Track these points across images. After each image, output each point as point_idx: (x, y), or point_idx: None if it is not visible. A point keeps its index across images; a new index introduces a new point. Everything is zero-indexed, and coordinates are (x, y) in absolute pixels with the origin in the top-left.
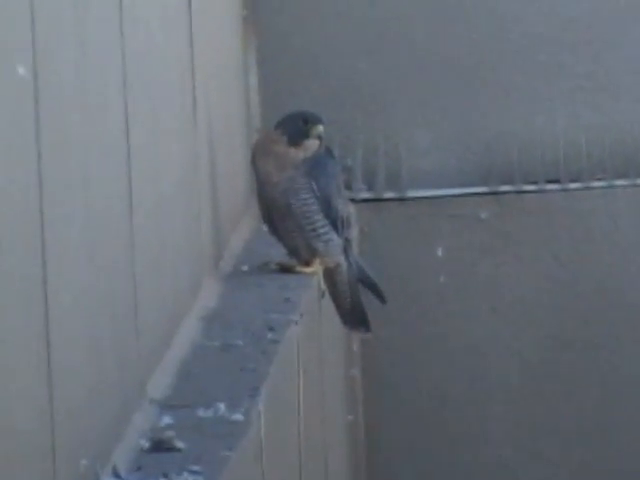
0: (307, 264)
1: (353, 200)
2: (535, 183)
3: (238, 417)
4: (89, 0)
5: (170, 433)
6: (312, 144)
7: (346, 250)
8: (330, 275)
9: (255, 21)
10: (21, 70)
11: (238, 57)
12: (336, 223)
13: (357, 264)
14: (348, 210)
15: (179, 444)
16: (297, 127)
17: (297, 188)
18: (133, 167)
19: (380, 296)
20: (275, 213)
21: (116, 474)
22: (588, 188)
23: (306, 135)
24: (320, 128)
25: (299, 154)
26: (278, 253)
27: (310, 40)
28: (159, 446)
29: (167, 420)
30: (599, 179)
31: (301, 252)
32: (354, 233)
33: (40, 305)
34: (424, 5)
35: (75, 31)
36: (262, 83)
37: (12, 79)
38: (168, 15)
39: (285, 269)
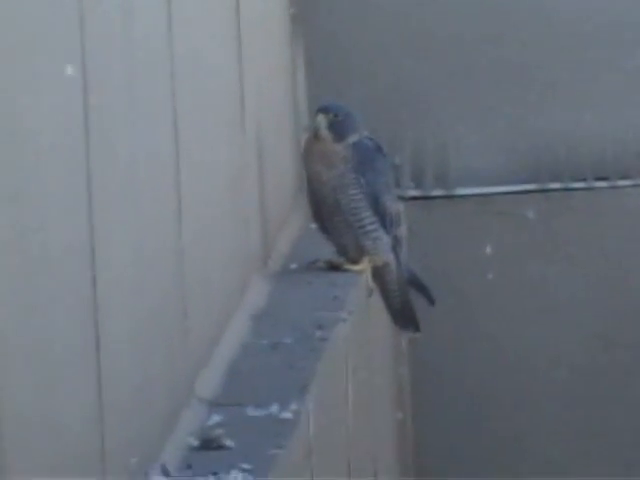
0: (356, 262)
1: (401, 198)
2: (583, 180)
3: (287, 415)
4: (136, 6)
5: (219, 431)
6: (320, 134)
7: (395, 248)
8: (379, 274)
9: (303, 20)
10: (70, 70)
11: (286, 56)
12: (385, 220)
13: (406, 264)
14: (397, 208)
15: (228, 442)
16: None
17: (346, 184)
18: (182, 168)
19: (429, 297)
20: (324, 210)
21: (165, 472)
22: (637, 185)
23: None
24: (317, 117)
25: (341, 148)
26: (327, 251)
27: (357, 39)
28: (208, 444)
29: (216, 418)
30: None
31: (350, 250)
32: (403, 231)
33: (89, 306)
34: (471, 3)
35: (123, 35)
36: (310, 82)
37: (61, 78)
38: (216, 17)
39: (334, 267)
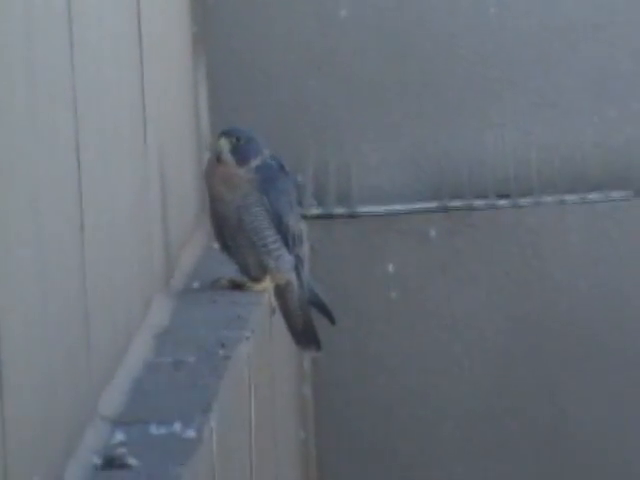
0: (258, 281)
1: (304, 217)
2: (485, 198)
3: (190, 433)
4: (38, 30)
5: (122, 450)
6: (223, 158)
7: (297, 267)
8: (281, 293)
9: (205, 38)
10: None
11: (188, 75)
12: (287, 239)
13: (308, 283)
14: (300, 227)
15: (131, 461)
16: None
17: (249, 203)
18: (84, 187)
19: (329, 317)
20: (227, 229)
21: None
22: (538, 204)
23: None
24: (220, 141)
25: (244, 172)
26: (229, 270)
27: (260, 57)
28: (111, 463)
29: (119, 437)
30: (549, 195)
31: (252, 269)
32: (305, 250)
33: None
34: (374, 23)
35: (24, 51)
36: (212, 101)
37: None
38: (117, 33)
39: (236, 286)
